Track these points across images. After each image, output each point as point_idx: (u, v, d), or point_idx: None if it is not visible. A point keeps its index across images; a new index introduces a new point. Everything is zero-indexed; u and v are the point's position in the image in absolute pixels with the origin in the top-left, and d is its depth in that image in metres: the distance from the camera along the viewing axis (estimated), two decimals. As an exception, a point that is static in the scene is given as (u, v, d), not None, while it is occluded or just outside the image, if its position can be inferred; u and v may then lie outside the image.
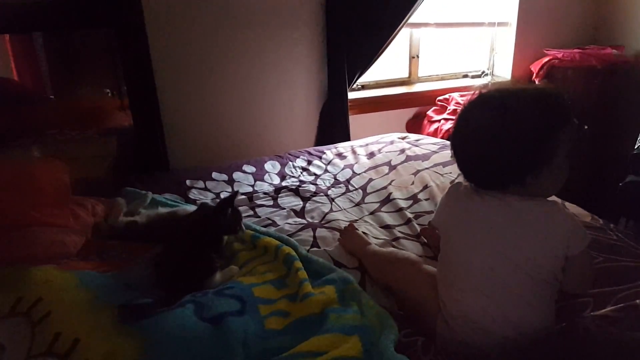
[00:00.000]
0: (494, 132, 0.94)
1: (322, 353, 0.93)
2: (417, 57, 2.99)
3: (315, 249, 1.38)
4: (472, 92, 1.03)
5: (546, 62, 2.91)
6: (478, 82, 3.11)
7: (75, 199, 1.62)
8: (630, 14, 3.00)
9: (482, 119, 0.96)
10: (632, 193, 2.29)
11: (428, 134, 2.73)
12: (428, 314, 1.08)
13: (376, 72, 2.79)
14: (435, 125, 2.75)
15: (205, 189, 1.84)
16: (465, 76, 3.20)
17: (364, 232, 1.42)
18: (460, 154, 1.02)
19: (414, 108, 2.95)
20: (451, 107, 2.78)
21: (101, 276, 1.23)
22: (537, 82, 2.86)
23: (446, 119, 2.73)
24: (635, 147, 2.34)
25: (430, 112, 2.85)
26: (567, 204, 1.59)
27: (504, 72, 3.15)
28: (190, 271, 1.23)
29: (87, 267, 1.29)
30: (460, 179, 1.76)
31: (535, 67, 2.97)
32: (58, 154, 2.13)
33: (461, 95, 2.86)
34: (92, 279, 1.20)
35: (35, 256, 1.27)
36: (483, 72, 3.19)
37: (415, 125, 2.92)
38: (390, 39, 2.54)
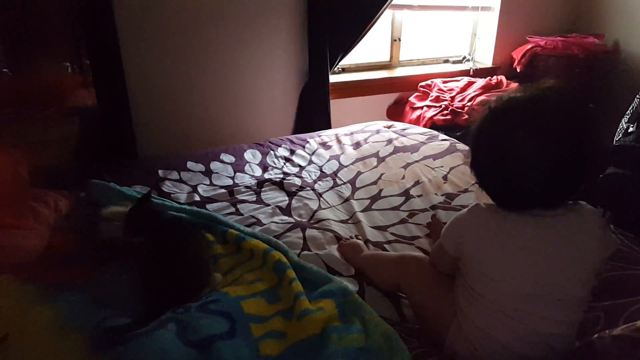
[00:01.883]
0: (563, 154, 0.85)
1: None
2: (399, 40, 2.88)
3: (306, 252, 1.28)
4: (480, 109, 0.95)
5: (528, 50, 2.86)
6: (459, 67, 3.04)
7: (35, 193, 1.45)
8: (609, 2, 2.98)
9: (540, 142, 0.85)
10: (612, 185, 2.28)
11: (410, 121, 2.65)
12: (441, 318, 1.01)
13: (357, 54, 2.67)
14: (417, 112, 2.66)
15: (180, 180, 1.69)
16: (447, 61, 3.12)
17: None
18: (504, 181, 0.91)
19: (395, 94, 2.86)
20: (434, 93, 2.70)
21: (67, 287, 1.09)
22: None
23: (429, 106, 2.64)
24: (616, 138, 2.33)
25: (412, 98, 2.76)
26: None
27: (485, 58, 3.09)
28: (184, 282, 1.09)
29: (50, 276, 1.14)
30: (454, 176, 1.70)
31: (517, 54, 2.92)
32: (14, 137, 1.92)
33: (444, 82, 2.78)
34: (57, 291, 1.05)
35: (-11, 265, 1.11)
36: (464, 57, 3.12)
37: (396, 112, 2.83)
38: (374, 19, 2.42)
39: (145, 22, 2.01)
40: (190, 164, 1.79)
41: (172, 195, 1.58)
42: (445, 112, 2.55)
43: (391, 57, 2.92)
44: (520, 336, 0.90)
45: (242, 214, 1.48)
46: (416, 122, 2.62)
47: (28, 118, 1.97)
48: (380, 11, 2.41)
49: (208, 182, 1.69)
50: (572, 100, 0.89)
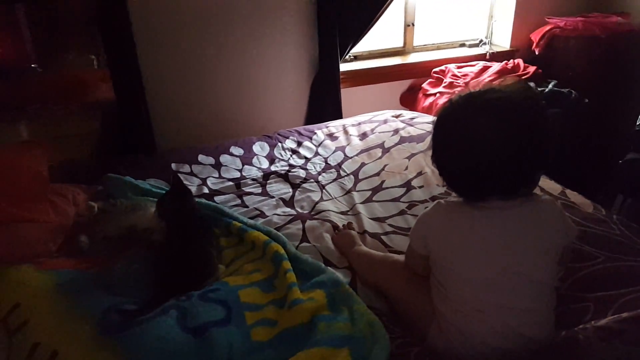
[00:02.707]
0: (519, 139, 0.90)
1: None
2: (413, 25, 2.86)
3: (304, 244, 1.34)
4: (445, 103, 1.00)
5: (547, 32, 2.79)
6: (476, 51, 2.99)
7: (54, 187, 1.54)
8: (636, -21, 2.86)
9: (497, 127, 0.90)
10: (632, 171, 2.23)
11: (423, 108, 2.64)
12: (420, 319, 1.05)
13: (369, 41, 2.66)
14: (430, 99, 2.65)
15: (191, 173, 1.77)
16: (463, 45, 3.07)
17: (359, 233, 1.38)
18: (464, 167, 0.96)
19: (409, 80, 2.85)
20: (447, 79, 2.68)
21: (82, 276, 1.19)
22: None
23: (442, 93, 2.62)
24: (638, 123, 2.27)
25: (425, 85, 2.75)
26: (567, 191, 1.54)
27: (502, 40, 3.03)
28: (193, 271, 1.17)
29: (67, 265, 1.24)
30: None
31: (535, 37, 2.85)
32: (39, 133, 2.05)
33: (458, 67, 2.75)
34: (72, 280, 1.15)
35: (13, 256, 1.21)
36: (481, 40, 3.07)
37: (409, 99, 2.82)
38: (385, 5, 2.40)
39: (160, 18, 2.08)
40: (201, 157, 1.86)
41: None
42: (457, 98, 2.53)
43: (405, 42, 2.89)
44: (493, 329, 0.93)
45: (247, 206, 1.55)
46: (429, 109, 2.61)
47: (53, 113, 2.09)
48: (391, -2, 2.40)
49: (217, 175, 1.76)
50: (526, 94, 0.94)
